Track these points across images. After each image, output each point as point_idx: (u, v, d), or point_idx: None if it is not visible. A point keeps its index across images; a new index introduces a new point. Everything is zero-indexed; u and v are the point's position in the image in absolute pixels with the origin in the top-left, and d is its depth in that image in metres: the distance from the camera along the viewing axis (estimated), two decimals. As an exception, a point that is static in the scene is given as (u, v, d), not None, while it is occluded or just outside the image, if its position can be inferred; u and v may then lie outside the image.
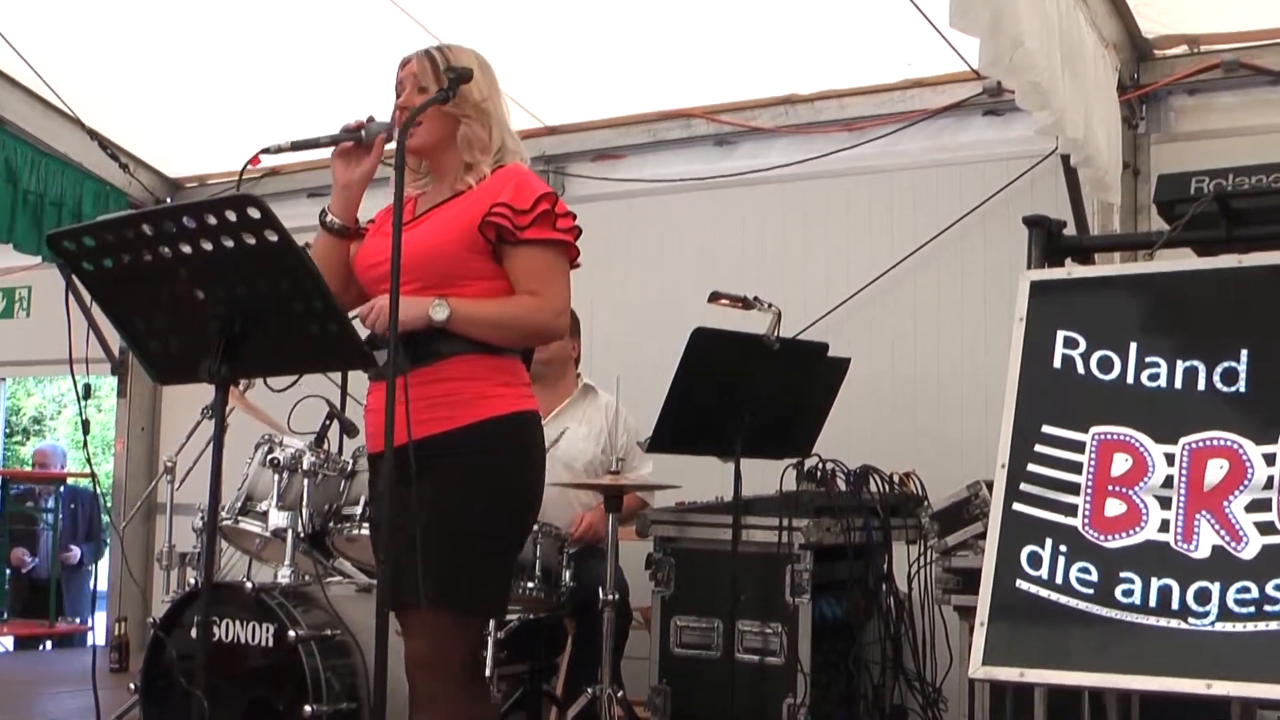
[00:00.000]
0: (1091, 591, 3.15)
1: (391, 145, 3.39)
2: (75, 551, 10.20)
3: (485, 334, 3.37)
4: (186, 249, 2.86)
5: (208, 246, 2.84)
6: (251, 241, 2.79)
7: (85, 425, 3.44)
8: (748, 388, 4.91)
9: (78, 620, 9.86)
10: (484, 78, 3.54)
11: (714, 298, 5.33)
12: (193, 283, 2.92)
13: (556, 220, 3.43)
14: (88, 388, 3.51)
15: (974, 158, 6.51)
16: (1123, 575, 3.15)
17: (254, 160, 3.32)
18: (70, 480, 10.71)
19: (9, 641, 9.59)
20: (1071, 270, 3.74)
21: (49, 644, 9.62)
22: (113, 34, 7.22)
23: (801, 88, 6.80)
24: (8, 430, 14.23)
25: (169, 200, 8.79)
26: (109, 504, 9.33)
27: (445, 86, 3.37)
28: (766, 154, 6.98)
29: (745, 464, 4.95)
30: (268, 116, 7.70)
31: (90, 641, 9.24)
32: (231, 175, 8.55)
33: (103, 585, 9.73)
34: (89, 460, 3.57)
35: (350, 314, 3.22)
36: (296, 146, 3.38)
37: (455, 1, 6.33)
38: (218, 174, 8.72)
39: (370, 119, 3.51)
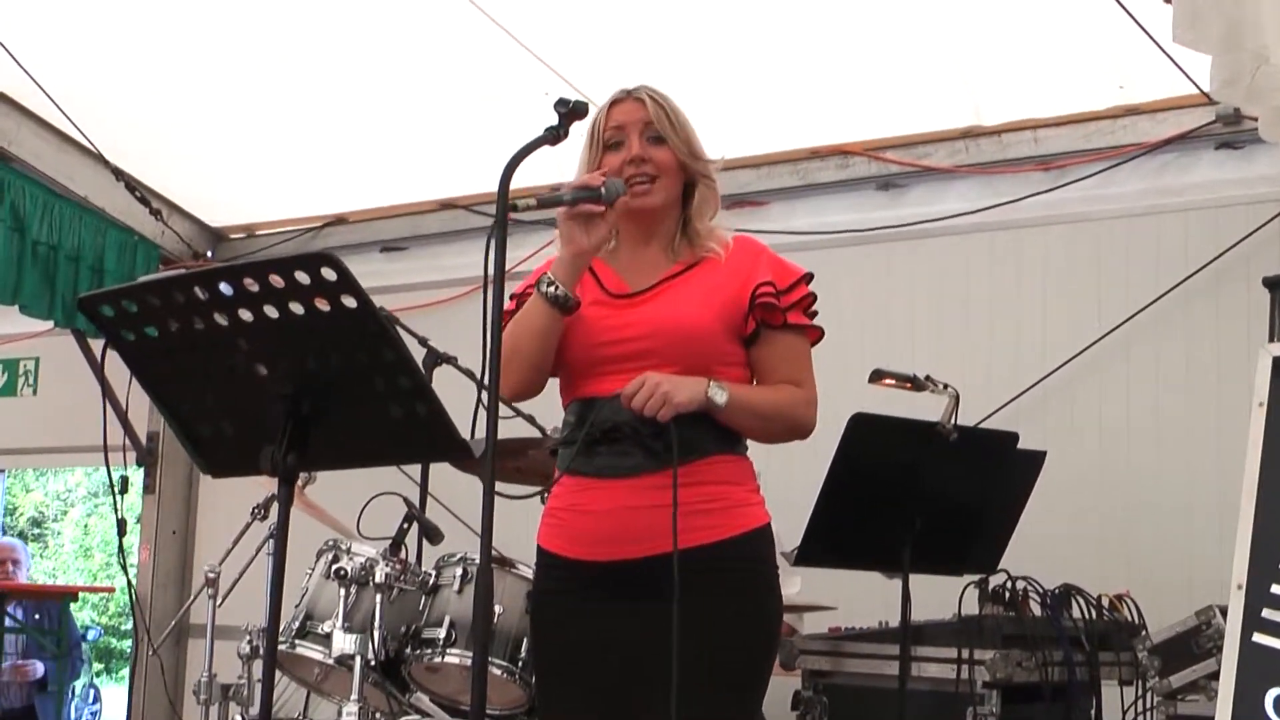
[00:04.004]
0: (1354, 745, 3.16)
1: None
2: (37, 666, 10.05)
3: (752, 424, 3.73)
4: (247, 315, 2.97)
5: (272, 313, 2.94)
6: (325, 308, 2.89)
7: (121, 526, 3.56)
8: (918, 487, 4.96)
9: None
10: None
11: (877, 377, 5.38)
12: (254, 356, 3.04)
13: (811, 304, 3.80)
14: (124, 480, 3.65)
15: (1205, 202, 6.48)
16: (1394, 725, 3.15)
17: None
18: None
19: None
20: (1325, 343, 3.75)
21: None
22: (142, 55, 7.42)
23: (986, 117, 6.83)
24: (3, 533, 14.50)
25: (209, 254, 9.00)
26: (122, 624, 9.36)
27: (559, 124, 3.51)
28: (942, 199, 7.01)
29: (915, 581, 4.99)
30: (329, 156, 7.91)
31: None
32: (286, 224, 8.75)
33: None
34: (124, 568, 3.70)
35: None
36: (542, 204, 3.53)
37: (561, 22, 6.48)
38: (268, 223, 8.91)
39: (608, 175, 3.68)
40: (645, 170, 3.72)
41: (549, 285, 3.64)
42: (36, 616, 10.22)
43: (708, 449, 3.61)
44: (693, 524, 3.51)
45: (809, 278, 3.80)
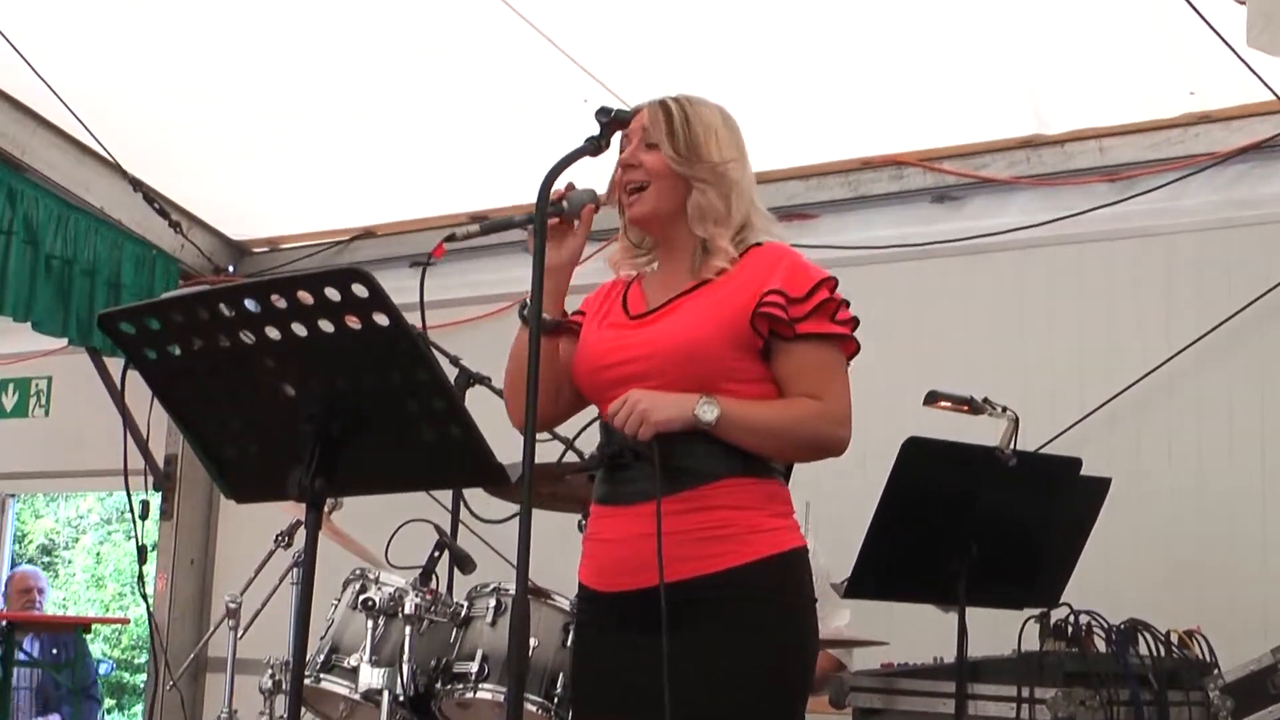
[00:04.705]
0: None
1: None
2: None
3: (757, 443, 3.59)
4: (274, 334, 3.00)
5: (301, 331, 2.97)
6: (356, 325, 2.92)
7: (141, 553, 3.57)
8: (976, 515, 4.95)
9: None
10: (726, 136, 3.75)
11: (932, 399, 5.40)
12: (281, 375, 3.07)
13: (836, 310, 3.64)
14: (145, 505, 3.66)
15: (1282, 215, 6.49)
16: None
17: (438, 250, 3.48)
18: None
19: None
20: None
21: None
22: (160, 61, 7.49)
23: (1048, 126, 6.86)
24: (10, 562, 14.51)
25: (231, 268, 9.08)
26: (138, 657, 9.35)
27: (600, 134, 3.56)
28: (1001, 212, 7.04)
29: (972, 615, 4.98)
30: (355, 166, 7.94)
31: None
32: (312, 237, 8.80)
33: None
34: (144, 597, 3.73)
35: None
36: (486, 230, 3.57)
37: (602, 27, 6.51)
38: (293, 236, 8.99)
39: (570, 186, 3.68)
40: (633, 177, 3.71)
41: (525, 307, 3.65)
42: (54, 651, 10.21)
43: (717, 471, 3.56)
44: (698, 552, 3.49)
45: (830, 283, 3.64)
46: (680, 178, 3.68)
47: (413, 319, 3.03)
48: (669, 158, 3.67)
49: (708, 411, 3.49)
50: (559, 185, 3.63)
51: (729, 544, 3.53)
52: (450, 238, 3.50)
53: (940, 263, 7.16)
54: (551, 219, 3.62)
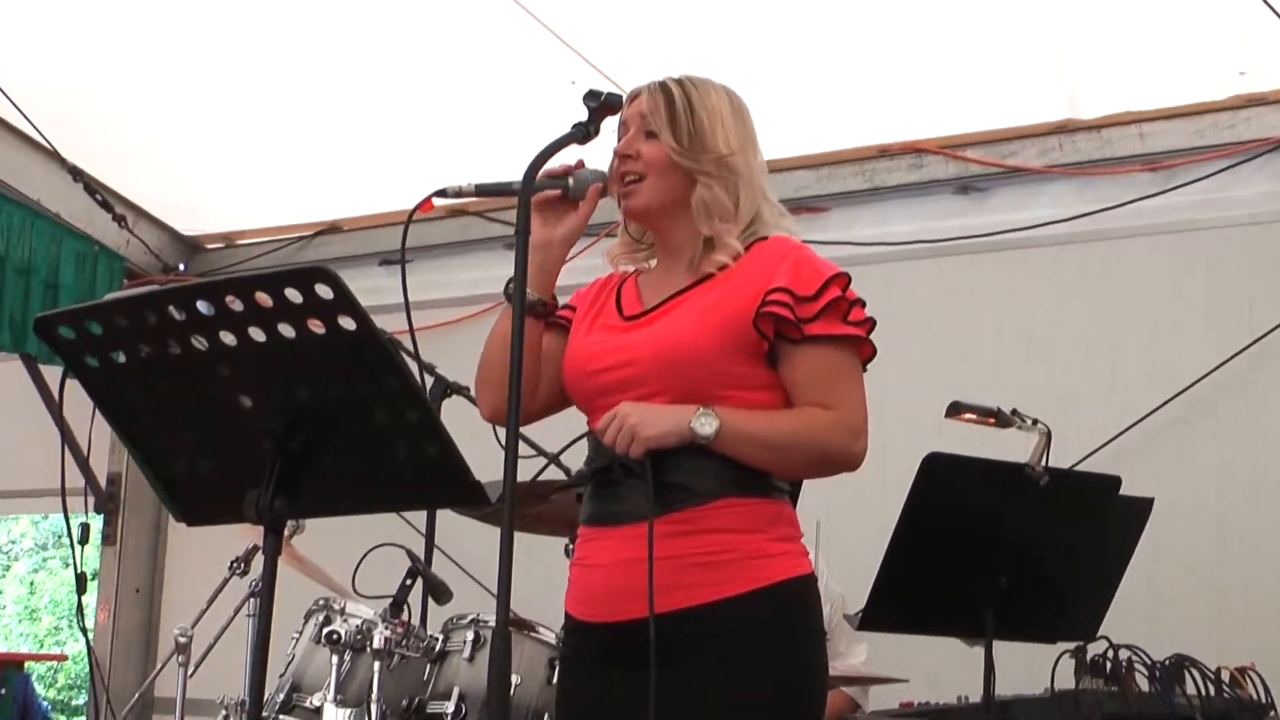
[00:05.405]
0: None
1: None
2: None
3: (761, 458, 3.54)
4: (229, 339, 2.99)
5: (259, 336, 2.96)
6: (320, 330, 2.90)
7: (81, 582, 3.53)
8: (1003, 539, 4.96)
9: None
10: (734, 123, 3.72)
11: (955, 410, 5.40)
12: (237, 385, 3.05)
13: (849, 310, 3.58)
14: (85, 529, 3.64)
15: (1343, 207, 6.47)
16: None
17: (426, 204, 3.47)
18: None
19: None
20: None
21: None
22: (103, 39, 7.46)
23: (1083, 109, 6.87)
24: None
25: (182, 267, 9.06)
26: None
27: (588, 120, 3.54)
28: (1032, 205, 7.05)
29: (1000, 649, 4.99)
30: (320, 155, 7.92)
31: None
32: (271, 232, 8.78)
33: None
34: (84, 631, 3.70)
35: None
36: (482, 191, 3.56)
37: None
38: (250, 231, 8.98)
39: (580, 163, 3.69)
40: (631, 168, 3.68)
41: (510, 284, 3.58)
42: (1, 691, 10.19)
43: (714, 490, 3.51)
44: (693, 579, 3.45)
45: (842, 279, 3.57)
46: (682, 170, 3.66)
47: (384, 320, 3.02)
48: (670, 148, 3.65)
49: (706, 425, 3.46)
50: (570, 161, 3.67)
51: (727, 571, 3.49)
52: (441, 192, 3.49)
53: (964, 260, 7.17)
54: (553, 192, 3.65)
